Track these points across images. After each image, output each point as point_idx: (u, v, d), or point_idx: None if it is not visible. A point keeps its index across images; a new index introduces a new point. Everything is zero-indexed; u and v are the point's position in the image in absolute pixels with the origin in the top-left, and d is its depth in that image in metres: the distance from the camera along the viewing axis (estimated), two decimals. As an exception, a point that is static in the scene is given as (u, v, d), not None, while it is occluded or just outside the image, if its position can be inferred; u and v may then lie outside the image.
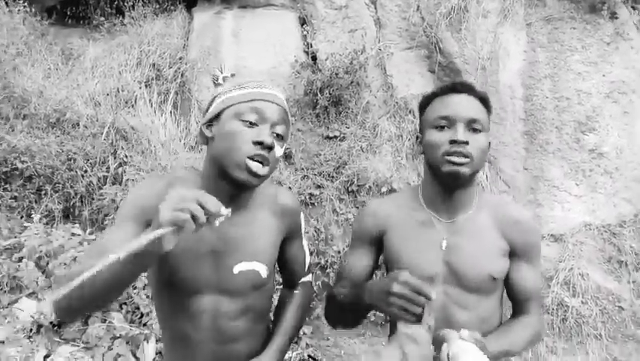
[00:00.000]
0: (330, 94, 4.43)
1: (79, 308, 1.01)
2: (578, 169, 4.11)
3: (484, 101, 1.26)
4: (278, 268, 1.43)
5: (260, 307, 1.31)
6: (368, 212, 1.40)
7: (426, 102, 1.31)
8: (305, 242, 1.43)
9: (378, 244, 1.38)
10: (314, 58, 4.80)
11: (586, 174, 4.10)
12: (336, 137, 4.46)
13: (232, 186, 1.15)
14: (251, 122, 1.12)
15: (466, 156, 1.17)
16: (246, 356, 1.28)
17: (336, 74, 4.39)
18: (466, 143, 1.16)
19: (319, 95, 4.45)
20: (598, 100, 4.17)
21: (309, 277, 1.47)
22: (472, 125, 1.20)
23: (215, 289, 1.21)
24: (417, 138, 1.35)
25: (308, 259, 1.44)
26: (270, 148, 1.11)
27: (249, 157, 1.09)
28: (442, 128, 1.21)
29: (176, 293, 1.21)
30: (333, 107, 4.54)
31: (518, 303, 1.31)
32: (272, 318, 1.43)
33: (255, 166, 1.09)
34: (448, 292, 1.24)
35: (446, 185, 1.24)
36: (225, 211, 0.92)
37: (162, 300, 1.27)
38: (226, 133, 1.12)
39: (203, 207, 0.88)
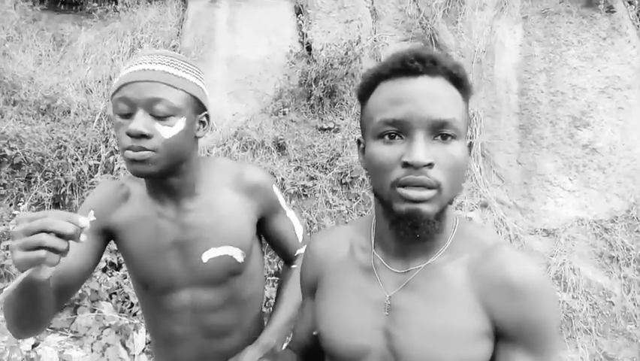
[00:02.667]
0: (324, 85, 4.39)
1: (18, 325, 0.97)
2: (571, 164, 4.11)
3: (458, 82, 0.78)
4: (271, 248, 1.37)
5: (246, 294, 1.26)
6: (307, 253, 1.03)
7: (366, 90, 0.84)
8: (290, 213, 1.33)
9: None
10: (309, 48, 4.75)
11: (579, 169, 4.10)
12: (330, 128, 4.43)
13: (149, 179, 1.11)
14: (124, 114, 1.01)
15: (430, 187, 0.72)
16: (238, 348, 1.24)
17: (331, 65, 4.35)
18: (430, 165, 0.72)
19: (314, 85, 4.41)
20: (593, 95, 4.17)
21: (305, 247, 1.39)
22: (439, 131, 0.74)
23: (188, 282, 1.17)
24: (358, 143, 0.90)
25: (300, 229, 1.35)
26: (143, 136, 0.99)
27: (126, 149, 1.00)
28: (390, 137, 0.76)
29: (151, 292, 1.18)
30: (327, 99, 4.50)
31: None
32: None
33: (131, 155, 0.99)
34: None
35: (400, 230, 0.77)
36: (84, 222, 0.81)
37: (142, 300, 1.25)
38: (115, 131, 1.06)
39: (54, 231, 0.77)
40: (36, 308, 0.92)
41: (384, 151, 0.76)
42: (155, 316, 1.23)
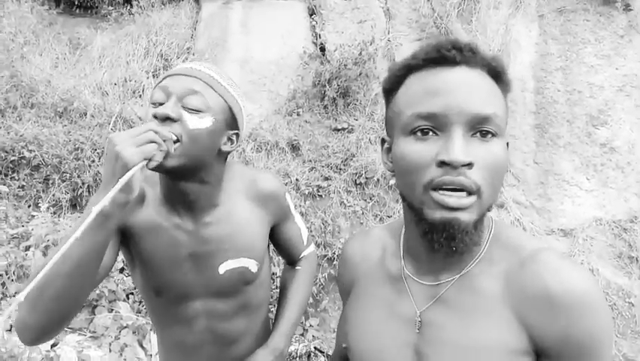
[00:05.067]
0: (338, 85, 4.39)
1: (40, 320, 0.87)
2: (589, 163, 4.06)
3: (498, 75, 0.70)
4: (275, 251, 1.37)
5: (256, 301, 1.26)
6: (342, 257, 0.98)
7: (393, 84, 0.76)
8: (297, 218, 1.33)
9: None
10: (322, 49, 4.75)
11: (597, 168, 4.05)
12: (344, 129, 4.43)
13: (171, 177, 1.04)
14: (158, 103, 0.99)
15: (470, 192, 0.64)
16: (248, 352, 1.24)
17: (345, 65, 4.35)
18: (470, 165, 0.64)
19: (327, 86, 4.41)
20: (610, 93, 4.12)
21: (309, 249, 1.38)
22: (479, 127, 0.66)
23: (203, 292, 1.15)
24: (382, 142, 0.81)
25: (305, 233, 1.35)
26: (169, 119, 0.95)
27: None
28: (423, 133, 0.68)
29: (163, 301, 1.16)
30: (341, 99, 4.50)
31: None
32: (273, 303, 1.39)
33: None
34: None
35: (433, 242, 0.69)
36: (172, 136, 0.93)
37: (152, 308, 1.22)
38: None
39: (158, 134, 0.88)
40: (96, 259, 0.87)
41: (417, 148, 0.67)
42: (166, 323, 1.21)
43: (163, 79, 1.02)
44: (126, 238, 1.10)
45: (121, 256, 3.20)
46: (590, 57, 4.19)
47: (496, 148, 0.67)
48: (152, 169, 0.92)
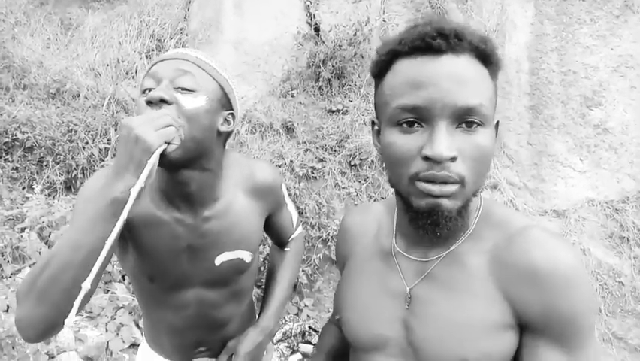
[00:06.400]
0: (333, 66, 4.37)
1: (48, 314, 0.83)
2: (582, 144, 4.08)
3: (486, 57, 0.69)
4: (265, 235, 1.38)
5: (245, 287, 1.28)
6: (341, 228, 1.03)
7: (380, 69, 0.76)
8: (290, 205, 1.35)
9: None
10: (317, 29, 4.71)
11: (590, 149, 4.07)
12: (338, 110, 4.42)
13: (168, 169, 1.01)
14: (149, 90, 0.97)
15: (454, 182, 0.67)
16: (232, 334, 1.27)
17: (340, 46, 4.32)
18: (453, 159, 0.66)
19: (322, 67, 4.39)
20: (605, 74, 4.11)
21: (298, 231, 1.42)
22: (464, 118, 0.67)
23: (198, 282, 1.17)
24: (372, 124, 0.83)
25: (295, 217, 1.38)
26: (164, 102, 0.94)
27: None
28: (409, 125, 0.69)
29: (156, 288, 1.16)
30: (336, 80, 4.48)
31: None
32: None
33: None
34: None
35: (419, 227, 0.72)
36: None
37: (141, 292, 1.21)
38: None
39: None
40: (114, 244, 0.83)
41: (403, 141, 0.69)
42: (156, 307, 1.21)
43: (151, 67, 1.00)
44: (123, 228, 1.08)
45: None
46: (585, 37, 4.17)
47: (481, 138, 0.68)
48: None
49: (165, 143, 0.85)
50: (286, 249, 1.40)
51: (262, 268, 3.10)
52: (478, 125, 0.67)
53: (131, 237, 1.09)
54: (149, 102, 0.93)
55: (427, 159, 0.66)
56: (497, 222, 0.77)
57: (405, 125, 0.69)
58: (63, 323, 0.83)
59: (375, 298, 0.83)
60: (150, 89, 0.97)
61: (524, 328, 0.71)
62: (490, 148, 0.69)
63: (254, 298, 1.38)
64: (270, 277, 1.38)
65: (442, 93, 0.65)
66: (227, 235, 1.13)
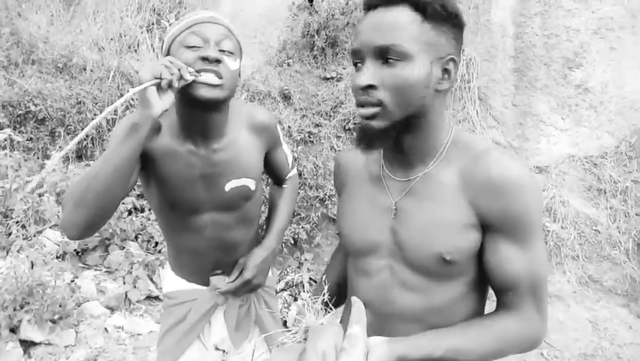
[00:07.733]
0: (326, 35, 4.55)
1: (84, 214, 1.08)
2: (564, 104, 4.29)
3: (421, 6, 0.85)
4: (265, 173, 1.61)
5: (252, 214, 1.50)
6: (336, 164, 1.21)
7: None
8: (285, 145, 1.57)
9: None
10: (310, 0, 4.87)
11: (572, 108, 4.28)
12: (333, 78, 4.62)
13: (200, 109, 1.23)
14: (195, 46, 1.18)
15: (372, 104, 0.87)
16: (244, 256, 1.51)
17: (332, 16, 4.50)
18: (373, 87, 0.86)
19: (316, 36, 4.57)
20: (586, 36, 4.30)
21: (293, 171, 1.65)
22: (385, 56, 0.86)
23: (211, 206, 1.39)
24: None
25: (290, 157, 1.61)
26: (218, 61, 1.17)
27: (198, 72, 1.16)
28: (355, 65, 0.91)
29: (177, 214, 1.39)
30: (329, 49, 4.67)
31: (500, 295, 0.94)
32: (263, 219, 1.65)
33: (205, 77, 1.16)
34: (393, 268, 0.98)
35: (360, 144, 0.94)
36: (190, 77, 1.12)
37: (165, 220, 1.45)
38: None
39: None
40: (129, 166, 1.10)
41: (353, 77, 0.89)
42: (179, 232, 1.44)
43: (191, 25, 1.21)
44: (145, 162, 1.32)
45: (131, 199, 3.47)
46: (567, 1, 4.34)
47: (402, 70, 0.84)
48: (206, 101, 1.18)
49: (157, 79, 1.06)
50: (284, 186, 1.64)
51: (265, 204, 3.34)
52: (398, 60, 0.83)
53: (152, 169, 1.33)
54: (205, 58, 1.15)
55: (356, 89, 0.87)
56: (464, 147, 0.95)
57: (358, 65, 0.89)
58: (99, 224, 1.13)
59: (367, 212, 1.02)
60: (196, 47, 1.18)
61: (486, 228, 0.90)
62: (415, 78, 0.84)
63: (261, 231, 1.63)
64: (272, 208, 1.63)
65: (366, 38, 0.85)
66: (234, 164, 1.37)
